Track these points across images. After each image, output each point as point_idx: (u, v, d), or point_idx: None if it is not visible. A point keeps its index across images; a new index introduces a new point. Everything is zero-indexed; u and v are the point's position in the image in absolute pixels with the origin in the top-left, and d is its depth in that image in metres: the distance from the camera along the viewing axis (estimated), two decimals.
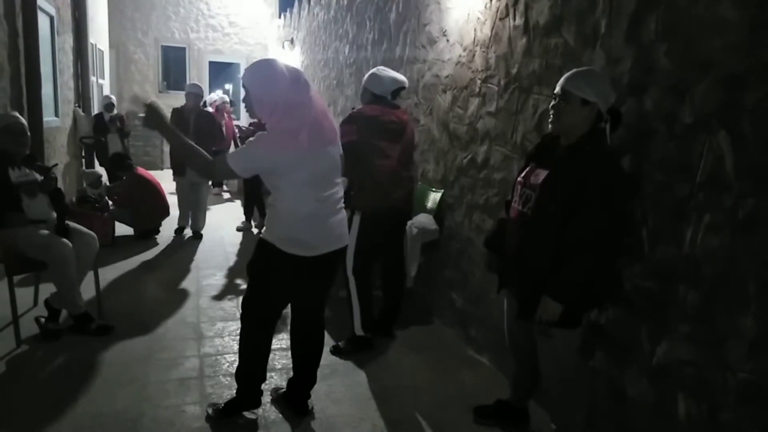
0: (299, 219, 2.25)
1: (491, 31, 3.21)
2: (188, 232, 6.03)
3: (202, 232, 6.01)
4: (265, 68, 2.22)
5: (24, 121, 3.32)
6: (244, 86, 2.23)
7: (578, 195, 1.96)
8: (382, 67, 3.38)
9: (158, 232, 5.84)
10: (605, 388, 2.28)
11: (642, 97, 2.11)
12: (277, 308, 2.51)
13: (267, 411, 2.62)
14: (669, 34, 1.99)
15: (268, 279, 2.37)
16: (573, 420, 2.20)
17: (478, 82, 3.36)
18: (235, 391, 2.53)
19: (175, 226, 6.00)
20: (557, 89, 2.08)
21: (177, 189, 5.90)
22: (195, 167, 2.49)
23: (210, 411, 2.53)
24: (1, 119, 3.28)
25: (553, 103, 2.11)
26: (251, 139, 2.21)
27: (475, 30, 3.39)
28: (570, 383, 2.18)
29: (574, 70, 2.10)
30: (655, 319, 2.04)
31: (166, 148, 10.78)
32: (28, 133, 3.32)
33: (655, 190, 2.05)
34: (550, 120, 2.13)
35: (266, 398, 2.71)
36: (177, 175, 5.79)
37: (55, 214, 3.35)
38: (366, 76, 3.34)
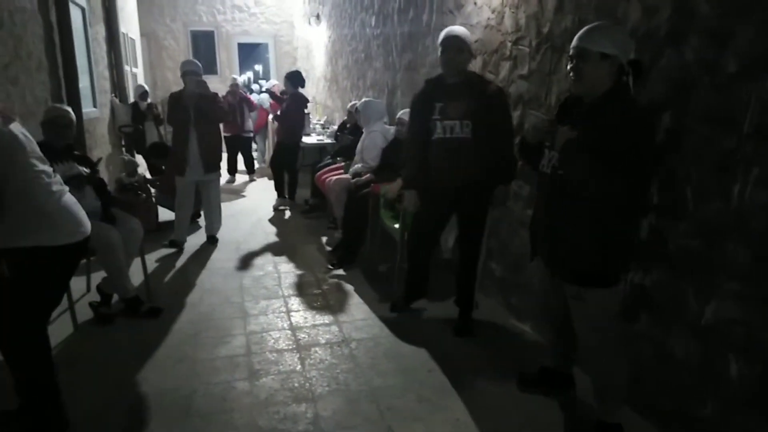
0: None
1: None
2: (195, 241, 5.10)
3: (218, 235, 5.15)
4: None
5: (73, 116, 3.33)
6: None
7: (604, 150, 1.89)
8: None
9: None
10: (651, 351, 2.24)
11: (681, 47, 2.01)
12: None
13: (313, 385, 2.68)
14: None
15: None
16: (615, 384, 2.18)
17: (509, 44, 3.27)
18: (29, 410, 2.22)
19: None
20: (572, 50, 2.02)
21: (177, 192, 4.93)
22: None
23: None
24: (49, 111, 3.31)
25: (570, 64, 2.03)
26: None
27: None
28: (609, 348, 2.15)
29: (587, 26, 2.02)
30: (702, 278, 1.98)
31: None
32: (74, 128, 3.38)
33: (699, 145, 1.96)
34: (571, 82, 2.06)
35: (332, 373, 2.77)
36: (176, 173, 4.86)
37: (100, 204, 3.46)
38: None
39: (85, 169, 3.38)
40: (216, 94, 4.97)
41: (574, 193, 1.99)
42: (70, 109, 3.41)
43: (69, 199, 2.12)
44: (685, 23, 2.00)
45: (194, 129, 4.67)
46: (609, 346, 2.13)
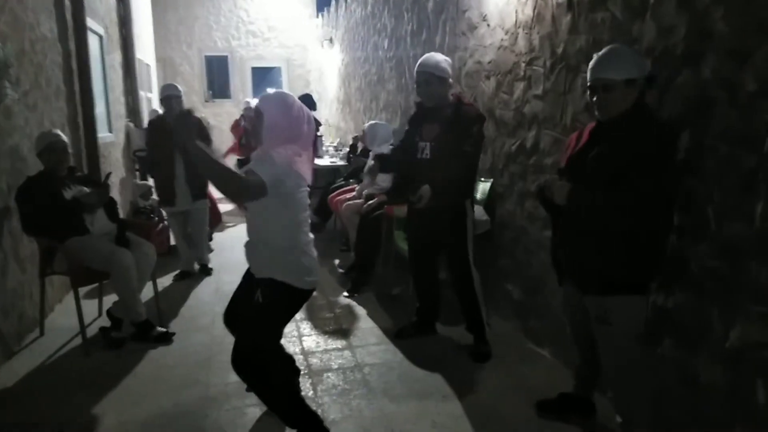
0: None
1: (533, 11, 3.10)
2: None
3: (211, 265, 4.95)
4: (288, 98, 2.24)
5: (65, 138, 3.38)
6: (259, 111, 2.17)
7: (627, 166, 1.90)
8: None
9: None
10: (675, 376, 2.17)
11: (699, 66, 1.99)
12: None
13: (326, 411, 2.62)
14: None
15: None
16: (638, 411, 2.11)
17: (523, 65, 3.26)
18: None
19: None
20: (593, 81, 2.01)
21: (169, 223, 4.98)
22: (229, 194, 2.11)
23: None
24: (42, 138, 3.33)
25: (595, 96, 2.03)
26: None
27: (516, 12, 3.29)
28: (632, 372, 2.09)
29: (602, 55, 2.01)
30: (727, 300, 1.92)
31: None
32: (70, 150, 3.39)
33: (719, 164, 1.92)
34: (597, 113, 2.07)
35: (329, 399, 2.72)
36: (164, 203, 4.71)
37: (115, 225, 3.47)
38: (444, 61, 3.03)
39: (86, 189, 3.37)
40: (200, 119, 4.48)
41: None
42: (59, 132, 3.42)
43: (313, 251, 2.32)
44: (701, 42, 1.97)
45: (180, 155, 4.36)
46: (632, 369, 2.07)
